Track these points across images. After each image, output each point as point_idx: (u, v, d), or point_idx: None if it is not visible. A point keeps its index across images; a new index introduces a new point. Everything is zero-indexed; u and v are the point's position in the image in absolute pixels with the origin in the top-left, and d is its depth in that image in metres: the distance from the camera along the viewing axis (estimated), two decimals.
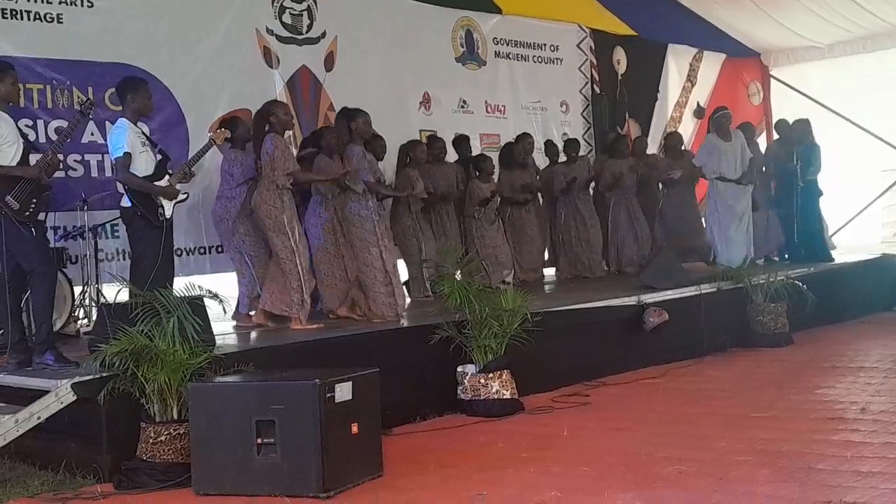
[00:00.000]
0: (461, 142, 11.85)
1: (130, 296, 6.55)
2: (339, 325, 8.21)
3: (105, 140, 8.54)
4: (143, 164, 7.20)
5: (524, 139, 12.18)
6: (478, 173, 11.38)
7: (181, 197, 7.52)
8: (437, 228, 10.92)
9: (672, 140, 13.78)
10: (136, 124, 7.32)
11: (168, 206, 7.31)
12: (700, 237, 13.04)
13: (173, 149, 8.81)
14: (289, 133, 8.46)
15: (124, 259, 8.94)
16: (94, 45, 9.19)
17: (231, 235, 8.75)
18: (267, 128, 8.07)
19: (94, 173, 9.15)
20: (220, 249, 9.52)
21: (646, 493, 5.17)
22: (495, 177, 11.74)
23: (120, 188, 7.41)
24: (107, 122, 8.86)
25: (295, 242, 7.97)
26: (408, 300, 9.98)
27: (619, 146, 13.10)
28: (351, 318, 8.57)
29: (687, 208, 13.12)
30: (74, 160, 9.07)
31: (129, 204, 7.25)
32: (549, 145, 13.00)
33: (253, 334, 8.08)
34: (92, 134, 9.06)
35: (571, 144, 12.81)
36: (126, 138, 7.12)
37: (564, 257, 12.61)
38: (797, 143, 12.86)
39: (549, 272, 12.86)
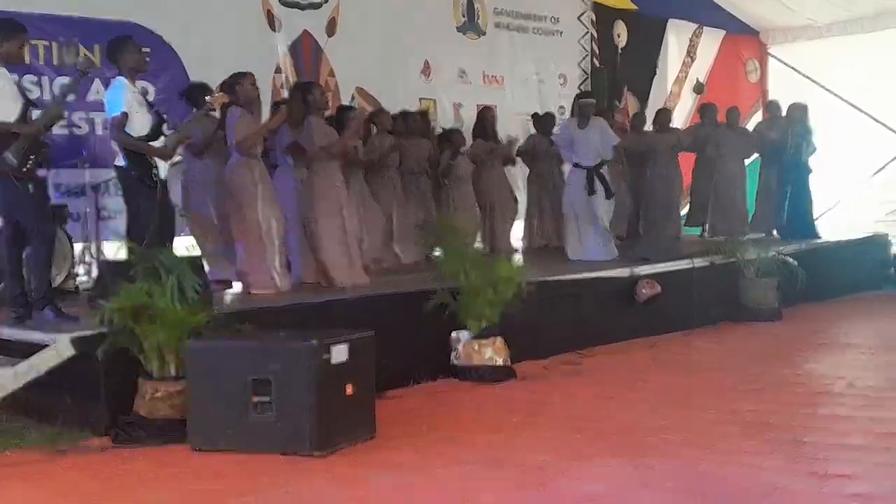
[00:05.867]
0: (421, 114, 11.82)
1: (130, 254, 6.58)
2: (306, 290, 8.20)
3: None
4: (140, 124, 7.11)
5: (486, 112, 12.17)
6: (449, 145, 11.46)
7: (176, 158, 7.49)
8: (413, 198, 10.99)
9: (661, 116, 13.80)
10: (133, 82, 7.27)
11: (163, 167, 7.26)
12: (676, 213, 13.20)
13: (177, 110, 8.83)
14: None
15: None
16: (100, 3, 9.19)
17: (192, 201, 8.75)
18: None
19: (99, 131, 9.17)
20: None
21: (634, 461, 5.25)
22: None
23: (115, 147, 7.39)
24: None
25: (265, 215, 7.89)
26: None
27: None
28: (317, 284, 8.48)
29: (671, 179, 13.20)
30: (79, 118, 9.11)
31: (123, 163, 7.20)
32: (535, 118, 12.98)
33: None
34: (98, 92, 9.03)
35: (547, 118, 12.81)
36: (123, 97, 7.05)
37: (536, 226, 12.70)
38: (793, 124, 12.94)
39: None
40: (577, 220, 10.52)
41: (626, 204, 12.91)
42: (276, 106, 9.71)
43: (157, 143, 7.23)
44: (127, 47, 7.26)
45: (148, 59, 8.00)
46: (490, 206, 11.82)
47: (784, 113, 13.42)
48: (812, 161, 13.02)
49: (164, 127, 7.38)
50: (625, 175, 13.02)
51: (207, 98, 7.68)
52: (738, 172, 13.37)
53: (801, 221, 12.98)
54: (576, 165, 10.58)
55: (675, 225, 13.23)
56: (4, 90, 6.54)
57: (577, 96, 11.37)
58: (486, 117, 11.97)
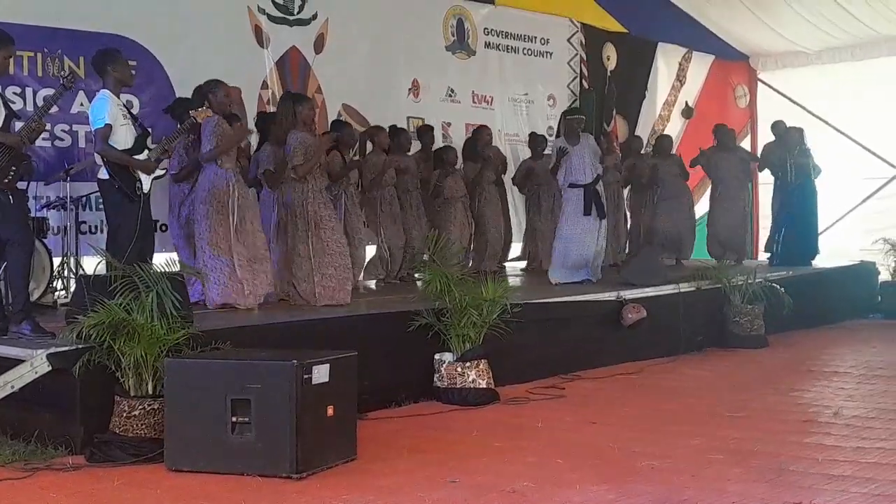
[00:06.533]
0: (425, 132, 11.83)
1: (109, 268, 6.50)
2: (283, 308, 8.21)
3: None
4: (123, 137, 7.10)
5: (482, 131, 12.17)
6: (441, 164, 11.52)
7: (159, 172, 7.45)
8: (405, 216, 11.00)
9: (662, 142, 13.86)
10: (118, 96, 7.22)
11: (146, 181, 7.21)
12: (690, 235, 13.21)
13: (162, 123, 8.78)
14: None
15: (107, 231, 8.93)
16: (87, 15, 9.17)
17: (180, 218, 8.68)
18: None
19: (82, 144, 9.13)
20: None
21: (618, 487, 5.19)
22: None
23: (98, 160, 7.33)
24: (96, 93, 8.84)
25: (235, 228, 7.84)
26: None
27: (601, 142, 13.00)
28: (286, 301, 8.50)
29: (683, 205, 13.26)
30: (62, 130, 9.05)
31: (106, 176, 7.15)
32: (533, 138, 12.99)
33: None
34: (81, 104, 9.02)
35: (538, 139, 12.82)
36: (107, 109, 7.03)
37: (530, 249, 12.70)
38: (790, 148, 12.99)
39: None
40: (569, 243, 10.36)
41: (625, 230, 12.95)
42: (260, 116, 9.69)
43: (141, 157, 7.17)
44: (115, 60, 7.24)
45: (133, 72, 7.93)
46: (482, 226, 11.80)
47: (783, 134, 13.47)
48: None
49: (149, 140, 7.33)
50: (622, 200, 13.09)
51: (191, 112, 7.60)
52: (738, 195, 13.37)
53: (800, 247, 13.01)
54: (570, 185, 10.42)
55: (690, 249, 13.30)
56: None
57: (565, 113, 11.26)
58: (479, 137, 11.95)
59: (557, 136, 10.94)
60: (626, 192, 13.63)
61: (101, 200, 8.65)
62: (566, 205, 10.51)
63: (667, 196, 13.24)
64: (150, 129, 7.57)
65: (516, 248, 12.94)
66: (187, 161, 8.47)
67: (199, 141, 8.05)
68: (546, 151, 12.62)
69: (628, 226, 13.49)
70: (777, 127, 13.76)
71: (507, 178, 12.65)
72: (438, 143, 11.99)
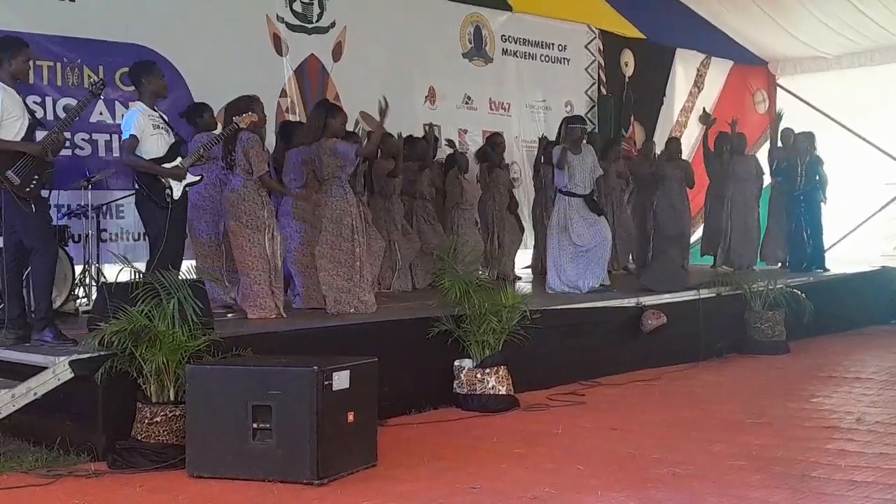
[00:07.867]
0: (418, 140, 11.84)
1: (131, 276, 6.53)
2: (307, 315, 8.22)
3: (114, 120, 8.60)
4: (155, 146, 7.13)
5: (496, 139, 12.17)
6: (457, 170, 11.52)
7: (193, 178, 7.44)
8: (420, 224, 11.02)
9: (671, 145, 13.81)
10: (153, 107, 7.26)
11: (177, 188, 7.23)
12: (686, 243, 13.21)
13: (179, 131, 8.80)
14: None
15: (128, 239, 8.98)
16: (106, 25, 9.24)
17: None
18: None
19: (102, 153, 9.19)
20: None
21: (639, 493, 5.18)
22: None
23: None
24: (116, 102, 8.91)
25: (269, 239, 7.89)
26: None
27: (611, 149, 12.95)
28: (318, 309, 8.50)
29: (679, 210, 13.22)
30: (82, 139, 9.12)
31: (137, 186, 7.23)
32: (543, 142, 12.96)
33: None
34: (101, 113, 9.11)
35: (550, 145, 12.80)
36: (135, 121, 7.09)
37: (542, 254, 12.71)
38: (802, 155, 12.94)
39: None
40: (574, 248, 10.02)
41: (632, 233, 12.90)
42: (283, 125, 9.69)
43: (173, 164, 7.19)
44: (150, 72, 7.33)
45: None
46: (495, 232, 11.80)
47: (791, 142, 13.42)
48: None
49: (183, 148, 7.36)
50: (623, 207, 13.05)
51: (234, 118, 7.65)
52: (751, 201, 13.34)
53: (811, 252, 12.97)
54: (567, 193, 10.04)
55: (684, 255, 13.22)
56: (13, 109, 6.50)
57: (567, 120, 10.68)
58: (494, 143, 11.96)
59: (557, 140, 10.62)
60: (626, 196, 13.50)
61: (122, 208, 8.78)
62: (569, 211, 9.96)
63: (667, 201, 13.15)
64: (184, 138, 7.58)
65: (525, 256, 12.88)
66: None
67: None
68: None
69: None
70: (784, 135, 13.69)
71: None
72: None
